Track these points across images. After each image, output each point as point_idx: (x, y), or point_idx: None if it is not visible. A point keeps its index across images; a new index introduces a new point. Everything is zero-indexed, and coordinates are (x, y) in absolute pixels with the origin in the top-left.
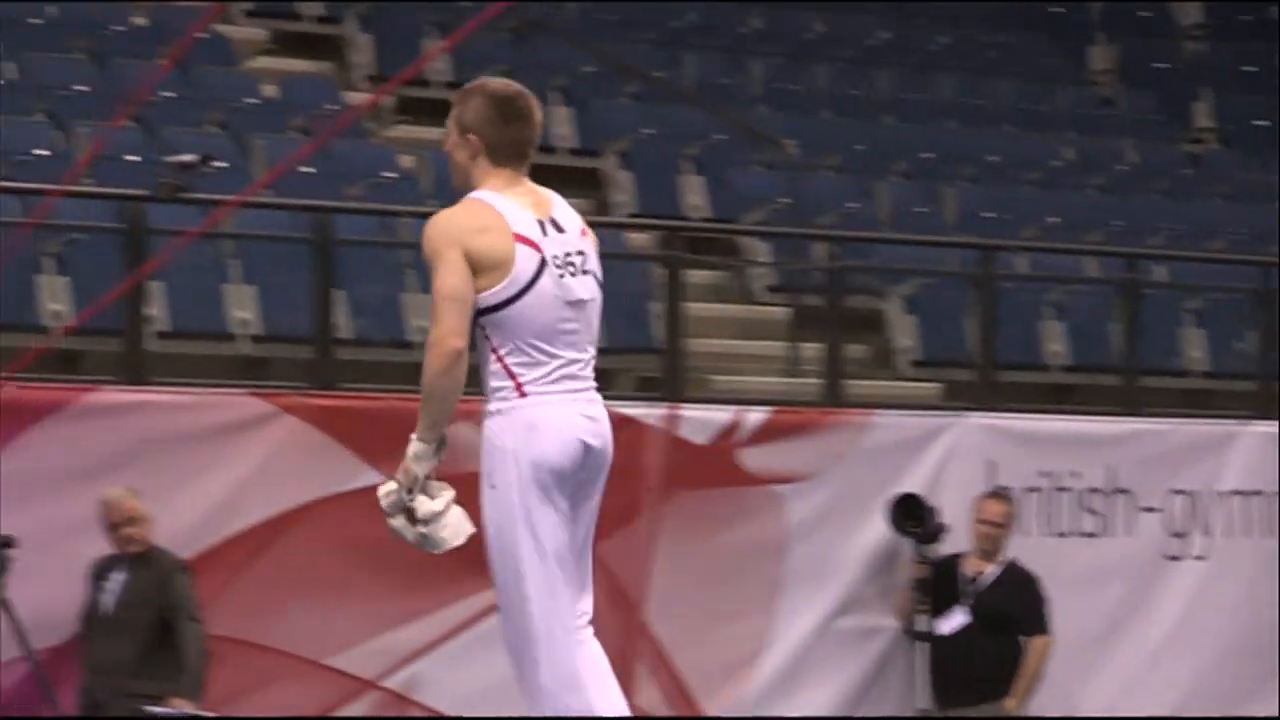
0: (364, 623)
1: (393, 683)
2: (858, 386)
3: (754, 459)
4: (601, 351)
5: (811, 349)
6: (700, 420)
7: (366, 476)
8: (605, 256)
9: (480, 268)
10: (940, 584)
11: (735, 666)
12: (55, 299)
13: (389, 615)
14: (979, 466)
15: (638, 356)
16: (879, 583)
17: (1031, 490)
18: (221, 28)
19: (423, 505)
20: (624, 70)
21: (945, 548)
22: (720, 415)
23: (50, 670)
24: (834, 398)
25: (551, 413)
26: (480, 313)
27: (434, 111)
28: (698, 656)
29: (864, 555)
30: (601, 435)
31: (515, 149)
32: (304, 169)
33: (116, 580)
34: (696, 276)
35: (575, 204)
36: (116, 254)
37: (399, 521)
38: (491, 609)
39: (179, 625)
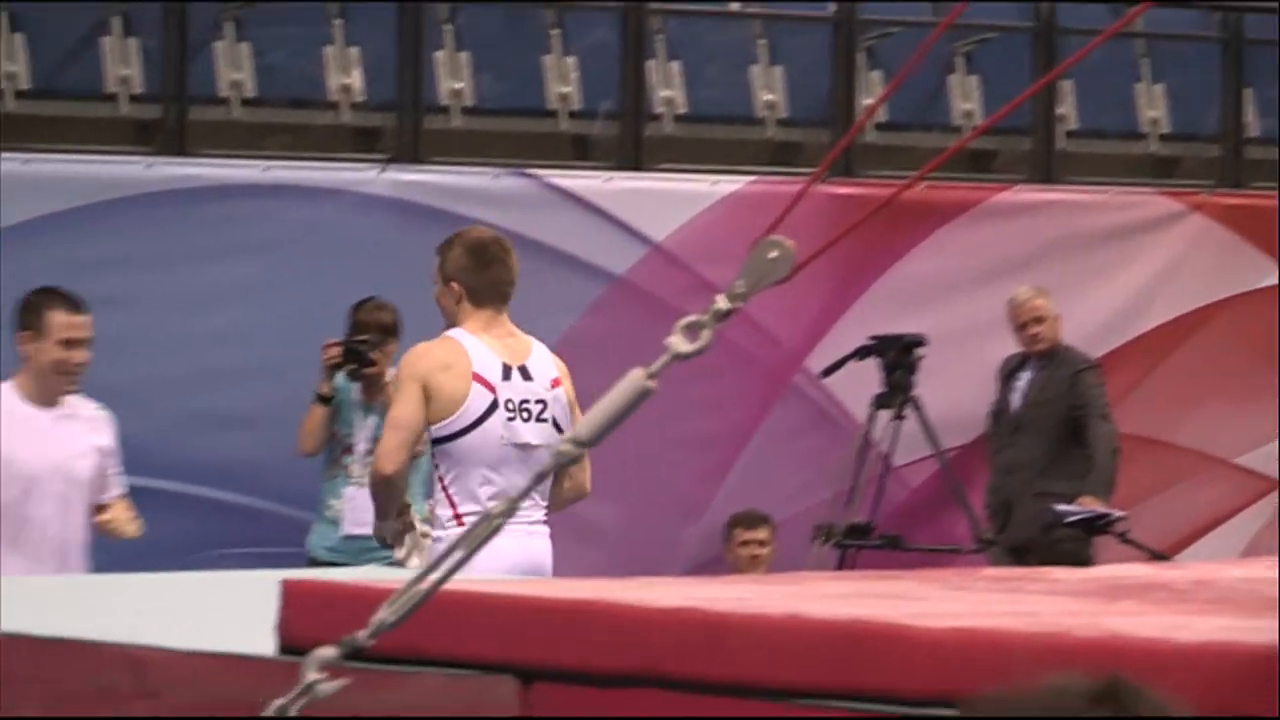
0: (1272, 421)
1: None
2: None
3: None
4: None
5: None
6: None
7: (1274, 275)
8: None
9: (436, 401)
10: None
11: None
12: (966, 99)
13: None
14: None
15: None
16: None
17: None
18: None
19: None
20: None
21: None
22: None
23: (959, 469)
24: None
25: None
26: (433, 441)
27: None
28: None
29: None
30: (535, 571)
31: (493, 290)
32: None
33: (1025, 379)
34: None
35: None
36: (1028, 53)
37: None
38: None
39: (1088, 424)
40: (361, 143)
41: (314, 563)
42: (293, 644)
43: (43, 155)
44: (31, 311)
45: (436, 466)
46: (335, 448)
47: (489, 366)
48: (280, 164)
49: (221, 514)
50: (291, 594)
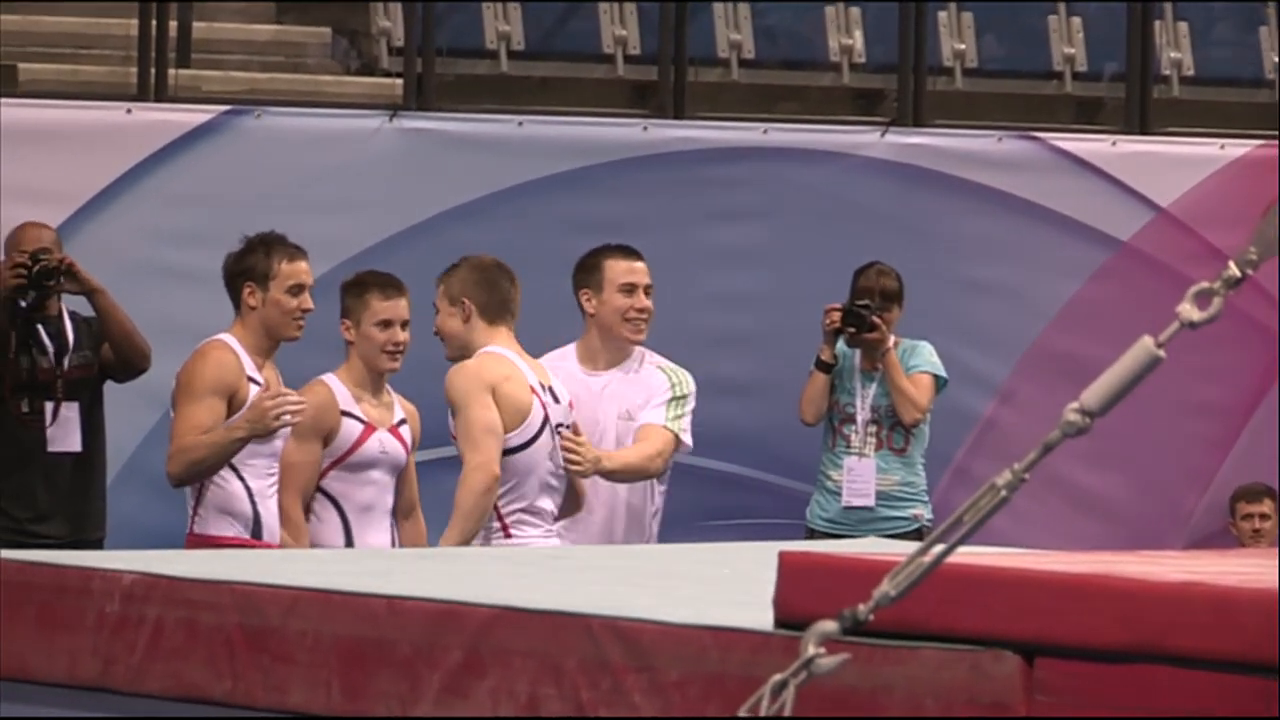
0: None
1: None
2: None
3: None
4: None
5: None
6: None
7: None
8: None
9: (502, 413)
10: None
11: None
12: None
13: None
14: None
15: None
16: None
17: None
18: None
19: None
20: None
21: None
22: None
23: None
24: None
25: None
26: None
27: None
28: None
29: None
30: None
31: (504, 307)
32: None
33: None
34: None
35: None
36: None
37: None
38: None
39: None
40: (862, 105)
41: (813, 534)
42: (790, 617)
43: (536, 117)
44: (589, 270)
45: None
46: (835, 416)
47: (536, 382)
48: (780, 127)
49: (720, 484)
50: (789, 566)
